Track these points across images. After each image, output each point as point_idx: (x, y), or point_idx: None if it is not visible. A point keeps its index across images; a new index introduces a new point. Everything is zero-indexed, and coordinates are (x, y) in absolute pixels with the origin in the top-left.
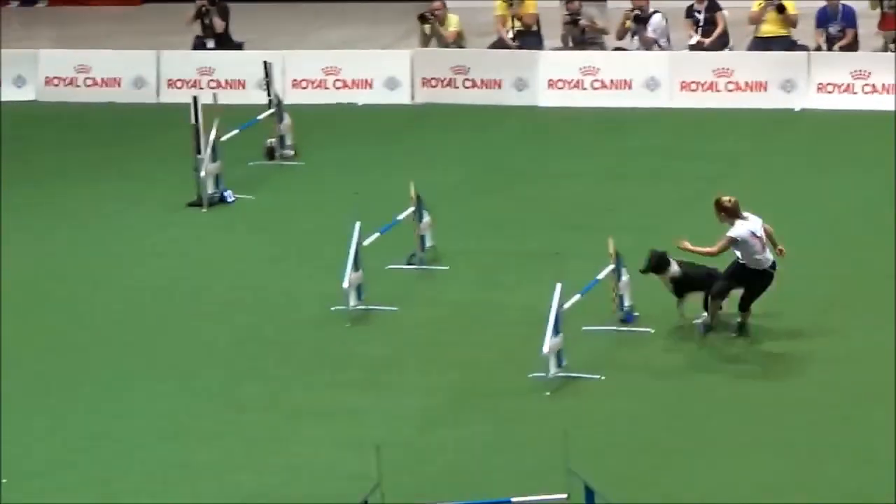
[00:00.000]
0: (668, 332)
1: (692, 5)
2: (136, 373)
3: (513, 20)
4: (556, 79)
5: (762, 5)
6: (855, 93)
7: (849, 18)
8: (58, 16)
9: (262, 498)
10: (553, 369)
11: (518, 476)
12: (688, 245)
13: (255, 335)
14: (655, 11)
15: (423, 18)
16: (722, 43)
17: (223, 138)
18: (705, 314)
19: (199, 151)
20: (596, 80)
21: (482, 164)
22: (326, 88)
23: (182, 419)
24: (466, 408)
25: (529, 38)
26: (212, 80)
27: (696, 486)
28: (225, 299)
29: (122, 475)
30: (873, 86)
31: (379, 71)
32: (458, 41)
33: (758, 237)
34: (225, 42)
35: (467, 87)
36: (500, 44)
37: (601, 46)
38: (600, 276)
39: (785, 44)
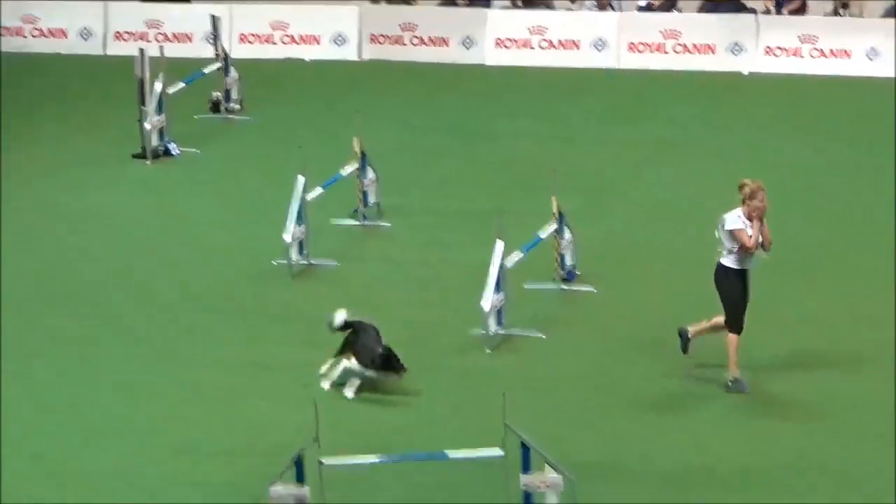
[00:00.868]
0: (609, 290)
1: None
2: (78, 328)
3: None
4: (503, 38)
5: None
6: (803, 57)
7: None
8: None
9: (205, 449)
10: (494, 327)
11: (455, 431)
12: None
13: (198, 290)
14: None
15: None
16: (670, 4)
17: (169, 91)
18: (736, 373)
19: (144, 104)
20: (544, 40)
21: (428, 123)
22: (274, 44)
23: (125, 373)
24: (406, 363)
25: None
26: (159, 34)
27: (634, 445)
28: (167, 254)
29: (65, 430)
30: (821, 50)
31: (327, 27)
32: None
33: None
34: None
35: (415, 45)
36: (448, 1)
37: (550, 6)
38: (543, 234)
39: (734, 6)
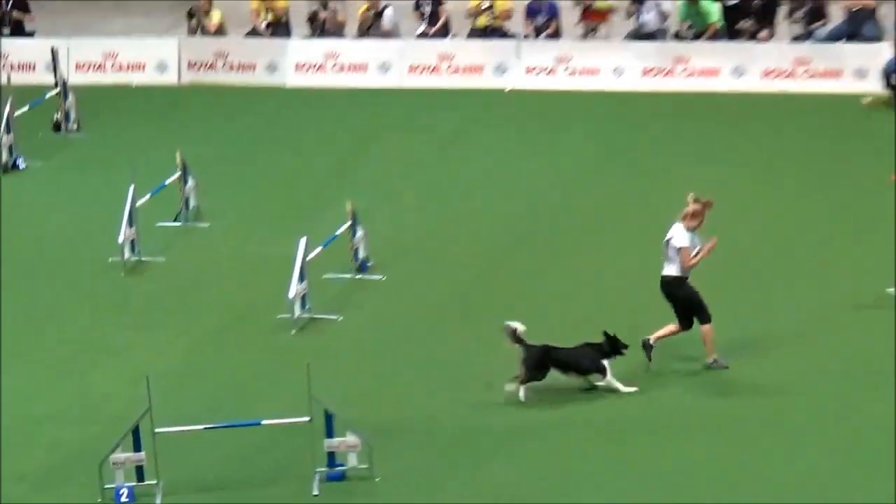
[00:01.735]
0: (397, 278)
1: (419, 0)
2: None
3: (266, 13)
4: (302, 63)
5: (479, 3)
6: (558, 75)
7: (553, 11)
8: None
9: (60, 415)
10: (298, 311)
11: (268, 402)
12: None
13: (47, 283)
14: (388, 5)
15: (190, 14)
16: (445, 32)
17: (16, 114)
18: (715, 355)
19: None
20: (336, 64)
21: (239, 137)
22: (105, 71)
23: None
24: (224, 344)
25: (280, 28)
26: (5, 63)
27: (420, 408)
28: (18, 252)
29: None
30: (574, 69)
31: (151, 55)
32: (220, 31)
33: None
34: (18, 30)
35: (226, 70)
36: (254, 33)
37: (342, 36)
38: (339, 231)
39: (498, 33)
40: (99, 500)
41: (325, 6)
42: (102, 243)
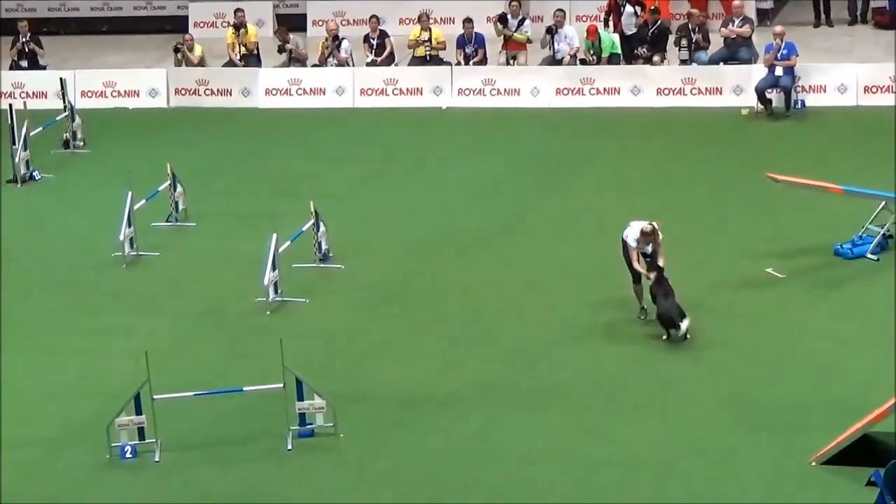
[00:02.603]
0: (354, 267)
1: (368, 34)
2: None
3: (239, 46)
4: (271, 88)
5: (418, 36)
6: (485, 95)
7: (480, 41)
8: None
9: (65, 392)
10: (272, 295)
11: (249, 373)
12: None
13: (57, 275)
14: (344, 38)
15: (176, 49)
16: (390, 61)
17: (32, 133)
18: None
19: (14, 143)
20: (300, 89)
21: (219, 151)
22: (106, 97)
23: (7, 334)
24: (209, 325)
25: (252, 59)
26: (23, 92)
27: (376, 375)
28: (33, 249)
29: None
30: (499, 90)
31: (144, 83)
32: (202, 62)
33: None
34: (33, 63)
35: (207, 95)
36: (230, 63)
37: (304, 64)
38: (304, 228)
39: (435, 61)
40: (107, 457)
41: (284, 46)
42: (105, 241)
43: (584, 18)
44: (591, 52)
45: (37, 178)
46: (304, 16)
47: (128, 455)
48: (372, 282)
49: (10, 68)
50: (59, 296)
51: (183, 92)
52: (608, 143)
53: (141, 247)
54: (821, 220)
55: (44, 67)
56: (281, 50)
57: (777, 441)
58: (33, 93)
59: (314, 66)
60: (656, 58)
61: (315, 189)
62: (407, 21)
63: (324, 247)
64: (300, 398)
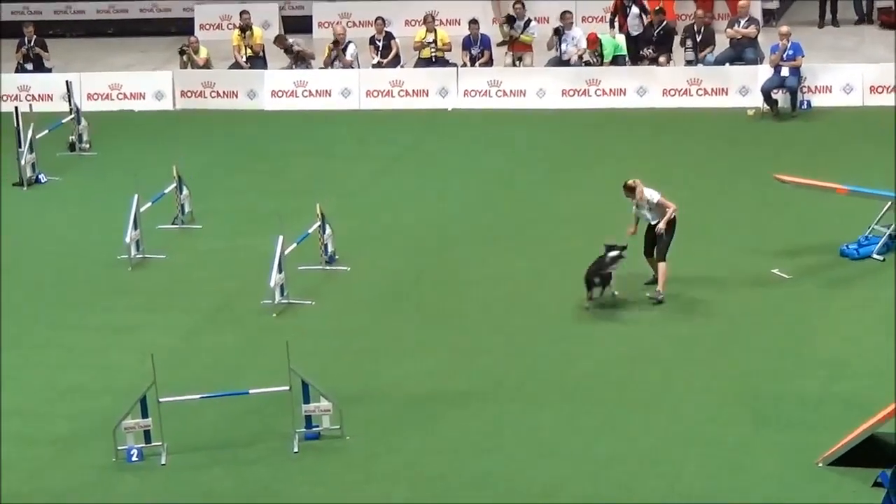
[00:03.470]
0: (360, 269)
1: (374, 36)
2: None
3: (245, 48)
4: (277, 90)
5: (423, 37)
6: (491, 96)
7: (486, 43)
8: None
9: (80, 388)
10: (278, 297)
11: (254, 374)
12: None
13: (65, 276)
14: (349, 42)
15: (182, 51)
16: (396, 62)
17: (38, 136)
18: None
19: (20, 146)
20: (306, 91)
21: (225, 153)
22: (112, 99)
23: (16, 333)
24: (216, 326)
25: (257, 61)
26: (28, 95)
27: (383, 375)
28: (41, 251)
29: None
30: (504, 91)
31: (150, 86)
32: (208, 65)
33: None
34: (39, 66)
35: (213, 97)
36: (236, 65)
37: (310, 65)
38: (310, 230)
39: (441, 62)
40: (113, 460)
41: (291, 48)
42: (112, 243)
43: (590, 19)
44: (595, 56)
45: (43, 181)
46: (310, 17)
47: (134, 458)
48: (378, 282)
49: (16, 71)
50: (65, 296)
51: (189, 94)
52: (614, 144)
53: (147, 249)
54: (827, 221)
55: (49, 70)
56: (288, 51)
57: (786, 437)
58: (39, 95)
59: (320, 68)
60: (662, 58)
61: (321, 191)
62: (412, 23)
63: (329, 249)
64: (306, 400)
